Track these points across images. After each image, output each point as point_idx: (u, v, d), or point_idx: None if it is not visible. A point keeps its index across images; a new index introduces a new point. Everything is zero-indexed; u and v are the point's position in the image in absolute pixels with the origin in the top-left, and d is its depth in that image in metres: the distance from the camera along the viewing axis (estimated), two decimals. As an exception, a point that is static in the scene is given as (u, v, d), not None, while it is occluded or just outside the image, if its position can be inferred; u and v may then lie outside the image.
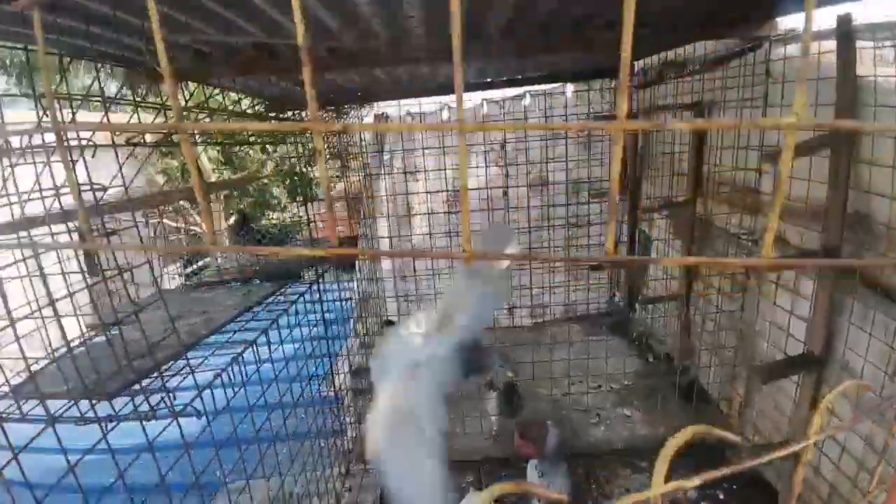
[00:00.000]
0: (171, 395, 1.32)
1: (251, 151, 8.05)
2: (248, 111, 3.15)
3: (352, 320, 4.09)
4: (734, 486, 2.48)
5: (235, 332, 1.78)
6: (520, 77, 3.62)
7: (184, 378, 1.40)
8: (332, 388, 2.61)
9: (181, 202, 7.14)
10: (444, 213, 4.13)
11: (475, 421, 2.91)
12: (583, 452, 2.77)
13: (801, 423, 2.10)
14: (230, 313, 1.89)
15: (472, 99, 3.82)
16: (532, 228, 4.04)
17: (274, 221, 9.64)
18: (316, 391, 2.39)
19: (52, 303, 1.19)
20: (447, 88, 3.65)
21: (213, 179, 7.47)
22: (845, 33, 1.82)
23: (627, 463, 2.68)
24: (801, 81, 0.32)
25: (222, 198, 7.74)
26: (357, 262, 4.21)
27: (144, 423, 1.31)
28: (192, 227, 7.64)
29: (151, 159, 8.37)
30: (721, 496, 2.45)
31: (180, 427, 1.29)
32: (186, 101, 2.28)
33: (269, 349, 1.80)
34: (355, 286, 4.16)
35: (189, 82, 2.31)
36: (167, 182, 7.24)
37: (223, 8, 1.60)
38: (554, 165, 3.87)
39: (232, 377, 1.60)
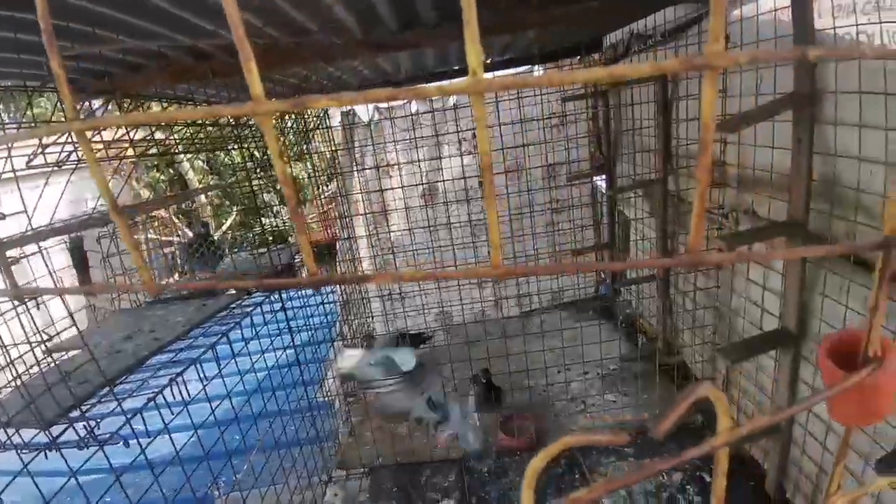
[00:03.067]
0: (97, 424, 1.28)
1: (237, 157, 8.00)
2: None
3: (336, 324, 4.06)
4: (720, 468, 2.42)
5: (181, 350, 1.74)
6: (487, 62, 3.52)
7: (117, 405, 1.37)
8: (306, 397, 2.57)
9: (169, 214, 7.12)
10: (420, 206, 4.06)
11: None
12: (566, 443, 2.72)
13: (781, 402, 2.02)
14: (178, 331, 1.85)
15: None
16: (512, 216, 3.96)
17: (268, 228, 9.63)
18: (285, 401, 2.35)
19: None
20: (413, 80, 3.57)
21: (198, 187, 7.44)
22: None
23: (612, 450, 2.62)
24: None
25: (209, 208, 7.71)
26: (337, 263, 4.16)
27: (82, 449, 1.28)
28: (182, 240, 7.65)
29: (136, 173, 8.36)
30: (706, 478, 2.38)
31: (106, 455, 1.25)
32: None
33: (218, 364, 1.76)
34: (338, 289, 4.11)
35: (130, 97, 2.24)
36: (153, 195, 7.23)
37: (150, 22, 1.54)
38: (529, 150, 3.77)
39: (176, 397, 1.56)
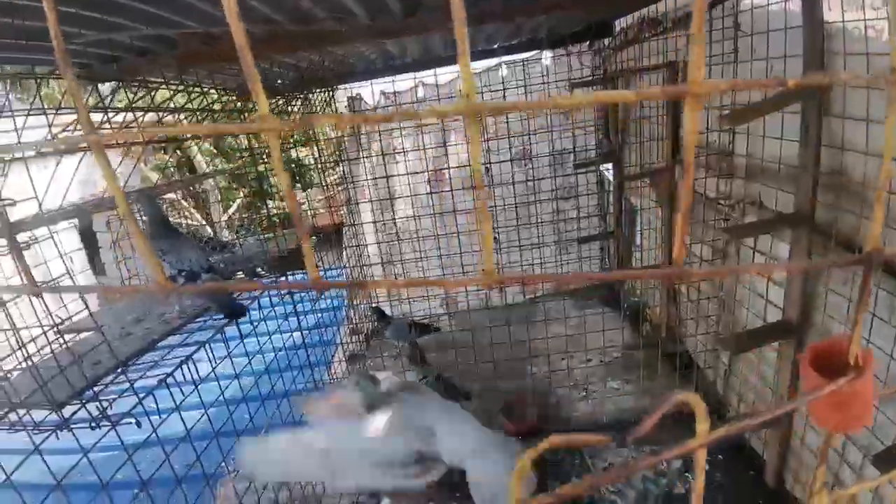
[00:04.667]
0: (109, 404, 1.32)
1: (244, 141, 8.01)
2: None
3: (343, 308, 4.11)
4: (720, 456, 2.45)
5: (192, 332, 1.78)
6: (495, 47, 3.49)
7: (129, 386, 1.41)
8: (312, 379, 2.62)
9: (177, 197, 7.17)
10: (427, 193, 4.07)
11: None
12: (567, 428, 2.76)
13: (782, 393, 2.04)
14: (188, 314, 1.89)
15: (447, 74, 3.68)
16: (518, 203, 3.95)
17: (275, 211, 9.67)
18: (292, 383, 2.40)
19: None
20: (420, 65, 3.54)
21: (206, 171, 7.47)
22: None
23: (612, 437, 2.66)
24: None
25: (217, 190, 7.75)
26: (344, 248, 4.19)
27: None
28: (192, 223, 7.72)
29: (144, 155, 8.40)
30: (706, 466, 2.41)
31: (118, 435, 1.29)
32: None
33: (227, 345, 1.80)
34: (344, 273, 4.15)
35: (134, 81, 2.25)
36: (161, 178, 7.27)
37: (159, 8, 1.55)
38: (536, 137, 3.74)
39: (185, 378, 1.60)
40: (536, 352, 3.01)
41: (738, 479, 2.31)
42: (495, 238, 4.37)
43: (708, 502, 2.26)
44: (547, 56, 3.64)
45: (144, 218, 1.78)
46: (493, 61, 3.61)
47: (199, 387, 1.61)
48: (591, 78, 3.47)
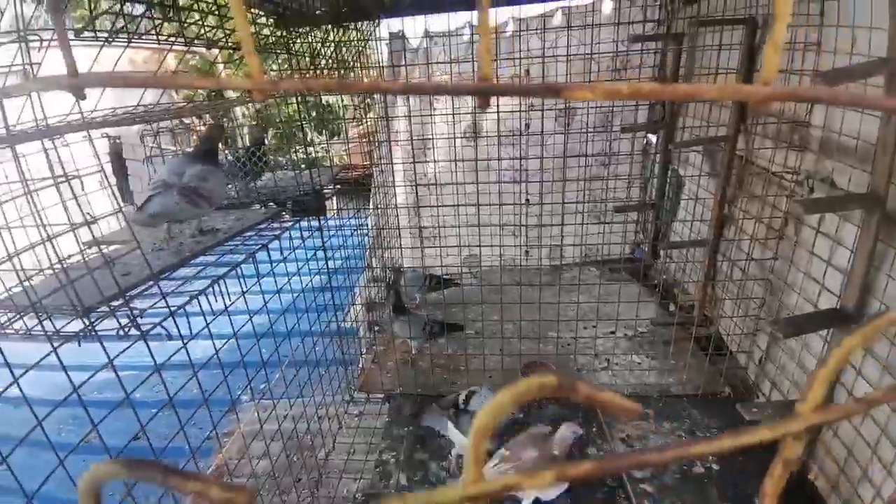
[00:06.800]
0: (140, 313, 1.28)
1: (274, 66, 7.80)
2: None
3: (365, 254, 4.06)
4: (742, 439, 2.38)
5: (221, 255, 1.73)
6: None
7: (161, 298, 1.37)
8: (336, 320, 2.60)
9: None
10: (463, 146, 3.91)
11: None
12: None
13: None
14: (218, 237, 1.84)
15: (497, 17, 3.45)
16: (555, 168, 3.78)
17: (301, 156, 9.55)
18: (315, 322, 2.37)
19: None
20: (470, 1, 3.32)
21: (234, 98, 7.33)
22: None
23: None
24: None
25: (245, 129, 7.63)
26: (372, 193, 4.10)
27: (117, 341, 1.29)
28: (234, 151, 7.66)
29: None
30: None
31: (148, 345, 1.26)
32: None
33: (258, 273, 1.75)
34: (369, 219, 4.08)
35: None
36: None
37: None
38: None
39: (215, 301, 1.56)
40: (559, 317, 2.94)
41: (761, 464, 2.26)
42: (527, 200, 4.22)
43: (729, 485, 2.22)
44: (607, 5, 3.37)
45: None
46: (551, 5, 3.36)
47: (228, 309, 1.57)
48: (653, 33, 3.21)
